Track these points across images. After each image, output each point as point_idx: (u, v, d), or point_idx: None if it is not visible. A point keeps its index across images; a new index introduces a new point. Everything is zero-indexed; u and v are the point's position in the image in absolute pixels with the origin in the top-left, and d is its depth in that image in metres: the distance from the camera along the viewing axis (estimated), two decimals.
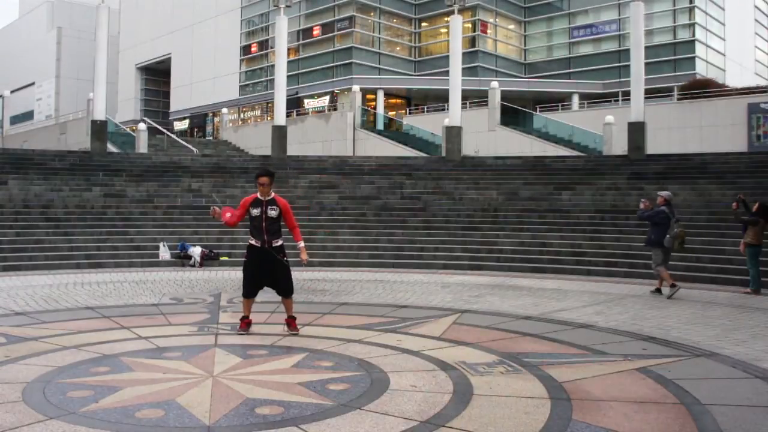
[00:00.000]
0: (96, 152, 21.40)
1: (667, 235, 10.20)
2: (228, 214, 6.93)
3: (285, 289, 6.85)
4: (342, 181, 19.76)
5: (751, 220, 10.76)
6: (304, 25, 50.39)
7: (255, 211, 6.75)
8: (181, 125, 57.08)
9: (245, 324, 6.87)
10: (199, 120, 56.15)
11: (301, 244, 6.95)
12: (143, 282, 11.34)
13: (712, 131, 28.79)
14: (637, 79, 20.41)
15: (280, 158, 22.32)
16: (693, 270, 12.48)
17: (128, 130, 33.15)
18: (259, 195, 6.80)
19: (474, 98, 36.63)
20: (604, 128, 24.78)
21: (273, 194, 6.87)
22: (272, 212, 6.75)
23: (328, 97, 47.86)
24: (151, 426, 3.99)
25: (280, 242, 6.83)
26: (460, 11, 23.24)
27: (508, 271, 13.55)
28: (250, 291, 6.90)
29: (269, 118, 43.48)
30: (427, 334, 6.85)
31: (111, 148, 25.00)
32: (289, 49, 40.11)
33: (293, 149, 27.38)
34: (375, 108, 42.42)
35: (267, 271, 6.79)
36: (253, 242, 6.80)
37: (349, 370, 5.34)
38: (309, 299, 9.42)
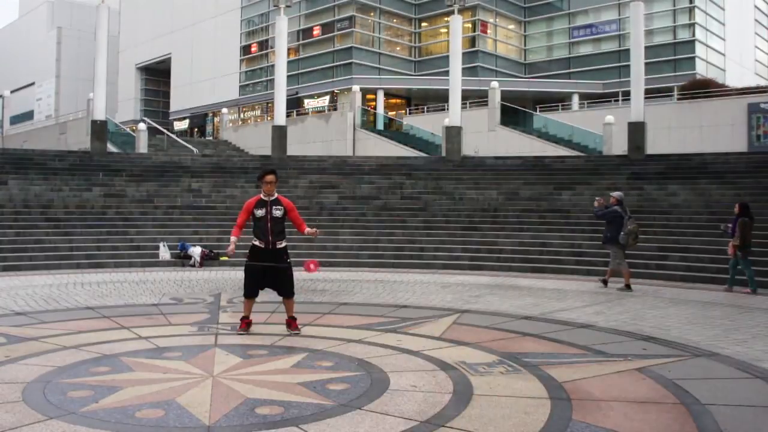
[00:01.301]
0: (96, 152, 21.40)
1: (622, 233, 10.98)
2: (233, 238, 6.98)
3: (286, 290, 6.85)
4: (342, 181, 19.76)
5: (742, 221, 10.87)
6: (304, 25, 50.40)
7: (260, 212, 6.74)
8: (181, 125, 57.08)
9: (245, 324, 6.87)
10: (199, 120, 56.15)
11: (307, 228, 6.98)
12: (143, 282, 11.34)
13: (712, 131, 28.79)
14: (637, 79, 20.41)
15: (280, 158, 22.32)
16: (693, 270, 12.49)
17: (128, 130, 33.13)
18: (263, 196, 6.81)
19: (474, 98, 36.62)
20: (604, 128, 24.78)
21: (276, 194, 6.87)
22: (277, 212, 6.75)
23: (328, 97, 47.87)
24: (151, 426, 3.99)
25: (284, 244, 6.83)
26: (460, 11, 23.23)
27: (508, 271, 13.54)
28: (251, 292, 6.90)
29: (269, 118, 43.47)
30: (427, 334, 6.85)
31: (111, 148, 24.99)
32: (289, 49, 40.12)
33: (293, 149, 27.36)
34: (375, 108, 42.42)
35: (269, 273, 6.79)
36: (256, 243, 6.79)
37: (349, 370, 5.34)
38: (309, 299, 9.43)
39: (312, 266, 7.16)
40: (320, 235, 15.43)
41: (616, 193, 11.64)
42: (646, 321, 7.93)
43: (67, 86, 65.76)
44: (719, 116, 29.05)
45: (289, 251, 6.97)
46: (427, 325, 7.38)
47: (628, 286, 10.93)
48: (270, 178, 6.77)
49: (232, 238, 6.99)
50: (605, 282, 11.36)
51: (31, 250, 13.91)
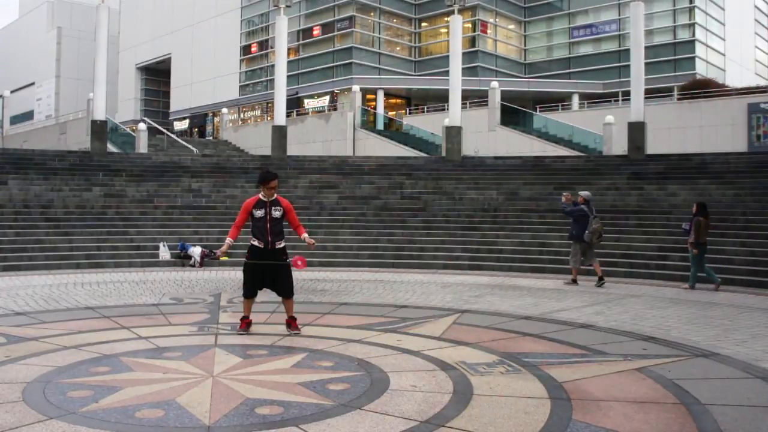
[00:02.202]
0: (96, 152, 21.40)
1: (587, 231, 11.48)
2: (229, 240, 6.97)
3: (286, 290, 6.85)
4: (342, 181, 19.76)
5: (696, 220, 11.34)
6: (304, 25, 50.40)
7: (259, 213, 6.74)
8: (181, 125, 57.08)
9: (245, 324, 6.87)
10: (199, 120, 56.15)
11: (305, 235, 6.94)
12: (143, 282, 11.34)
13: (712, 131, 28.79)
14: (637, 79, 20.41)
15: (280, 158, 22.32)
16: None
17: (128, 130, 33.14)
18: (262, 196, 6.80)
19: (474, 98, 36.63)
20: (604, 128, 24.78)
21: (276, 195, 6.88)
22: (276, 213, 6.75)
23: (328, 97, 47.87)
24: (151, 426, 3.99)
25: (282, 244, 6.83)
26: (460, 11, 23.24)
27: (508, 271, 13.54)
28: (250, 292, 6.90)
29: (269, 118, 43.49)
30: (427, 334, 6.85)
31: (111, 148, 25.00)
32: (289, 49, 40.11)
33: (293, 149, 27.38)
34: (375, 108, 42.42)
35: (268, 273, 6.79)
36: (255, 243, 6.79)
37: (349, 370, 5.34)
38: (309, 299, 9.43)
39: (299, 263, 7.10)
40: (320, 234, 15.52)
41: (584, 193, 12.15)
42: (646, 321, 7.93)
43: (67, 86, 65.76)
44: (719, 116, 29.04)
45: (288, 251, 6.97)
46: (427, 325, 7.38)
47: (574, 281, 11.64)
48: (274, 184, 6.77)
49: (228, 240, 6.97)
50: (575, 281, 11.76)
51: (31, 250, 13.92)
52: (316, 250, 14.21)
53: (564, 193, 12.53)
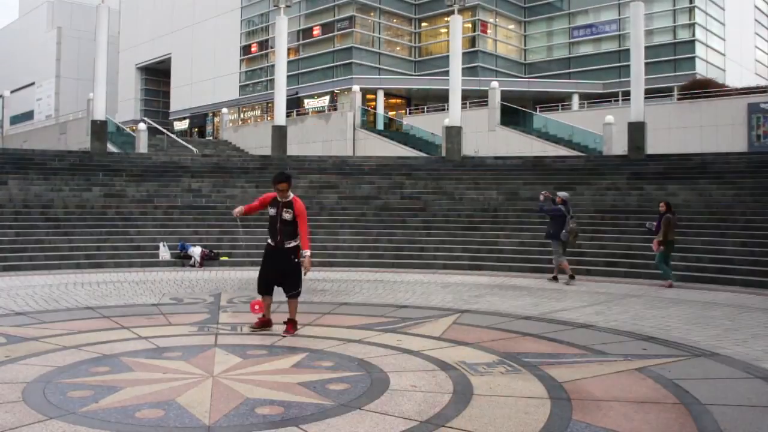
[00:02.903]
0: (96, 152, 21.40)
1: (564, 230, 11.76)
2: (240, 208, 7.08)
3: (290, 286, 6.79)
4: (342, 181, 19.76)
5: (666, 218, 11.47)
6: (304, 25, 50.40)
7: (271, 211, 6.78)
8: (181, 125, 57.09)
9: (260, 323, 6.92)
10: (199, 120, 56.15)
11: (307, 253, 6.78)
12: (143, 282, 11.34)
13: (712, 131, 28.80)
14: (637, 79, 20.41)
15: (280, 158, 22.32)
16: (693, 270, 12.48)
17: (128, 130, 33.13)
18: (278, 195, 6.80)
19: (474, 98, 36.63)
20: (604, 128, 24.78)
21: (292, 196, 6.81)
22: (287, 215, 6.70)
23: (328, 97, 47.87)
24: (151, 426, 3.99)
25: (293, 244, 6.79)
26: (460, 11, 23.24)
27: (508, 271, 13.54)
28: (261, 289, 6.95)
29: (269, 118, 43.48)
30: (427, 334, 6.85)
31: (111, 148, 24.99)
32: (289, 49, 40.09)
33: (293, 149, 27.41)
34: (375, 108, 42.41)
35: (278, 271, 6.82)
36: (269, 241, 6.88)
37: (349, 370, 5.34)
38: (309, 299, 9.42)
39: (257, 307, 7.15)
40: (320, 234, 15.53)
41: (562, 194, 12.39)
42: (646, 321, 7.93)
43: (67, 86, 65.74)
44: (719, 116, 29.05)
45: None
46: (427, 325, 7.38)
47: (572, 277, 11.76)
48: (282, 186, 6.70)
49: (241, 208, 7.07)
50: (555, 278, 12.00)
51: (31, 250, 13.91)
52: (317, 251, 14.21)
53: (542, 192, 12.86)
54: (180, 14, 57.44)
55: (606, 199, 16.96)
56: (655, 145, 23.62)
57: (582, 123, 29.95)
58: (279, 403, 4.41)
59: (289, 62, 30.35)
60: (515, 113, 33.52)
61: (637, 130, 20.09)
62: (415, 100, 48.08)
